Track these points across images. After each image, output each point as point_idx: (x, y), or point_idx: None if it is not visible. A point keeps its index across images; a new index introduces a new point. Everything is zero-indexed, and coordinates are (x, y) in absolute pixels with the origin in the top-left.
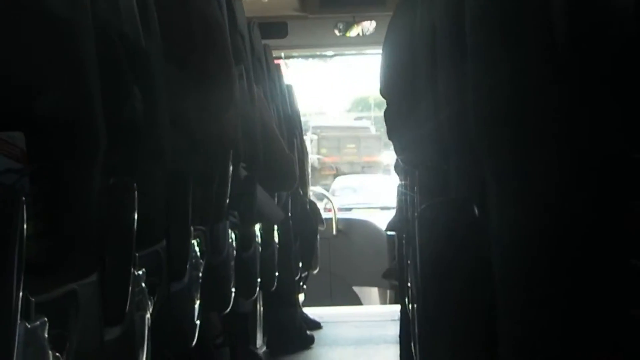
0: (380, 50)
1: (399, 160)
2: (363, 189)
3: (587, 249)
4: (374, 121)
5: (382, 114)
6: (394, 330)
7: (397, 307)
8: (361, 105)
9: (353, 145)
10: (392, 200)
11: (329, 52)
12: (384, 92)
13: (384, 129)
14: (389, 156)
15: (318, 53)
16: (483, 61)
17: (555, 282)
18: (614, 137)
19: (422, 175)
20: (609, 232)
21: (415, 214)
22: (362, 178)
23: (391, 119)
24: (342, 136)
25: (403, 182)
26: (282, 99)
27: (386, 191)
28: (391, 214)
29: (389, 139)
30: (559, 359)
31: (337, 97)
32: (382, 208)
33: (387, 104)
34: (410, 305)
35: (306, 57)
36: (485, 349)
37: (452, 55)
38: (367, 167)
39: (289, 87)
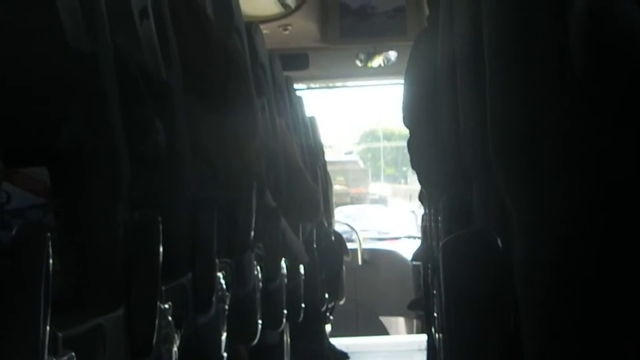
0: (402, 80)
1: (423, 190)
2: (360, 218)
3: (611, 278)
4: (382, 151)
5: (390, 144)
6: (421, 359)
7: (423, 337)
8: (370, 137)
9: (342, 178)
10: (390, 227)
11: (351, 83)
12: (406, 122)
13: (369, 162)
14: (374, 187)
15: (340, 84)
16: (499, 90)
17: (581, 312)
18: (633, 165)
19: (445, 205)
20: (632, 259)
21: (440, 244)
22: (355, 208)
23: (414, 148)
24: (333, 170)
25: (427, 212)
26: (304, 130)
27: (380, 219)
28: (414, 244)
29: (412, 168)
30: None
31: (345, 129)
32: (407, 237)
33: (410, 133)
34: (436, 335)
35: (328, 87)
36: None
37: (472, 84)
38: (355, 198)
39: (311, 118)
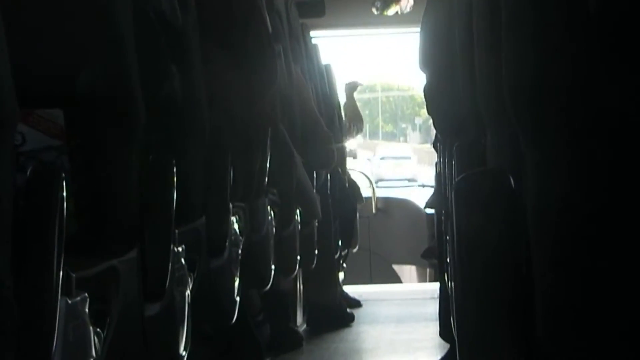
0: (418, 29)
1: (438, 135)
2: None
3: (622, 214)
4: (380, 107)
5: (387, 94)
6: (434, 307)
7: (436, 285)
8: (367, 91)
9: None
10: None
11: (367, 31)
12: (422, 68)
13: (367, 119)
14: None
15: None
16: (514, 32)
17: (593, 250)
18: None
19: (459, 150)
20: None
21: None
22: None
23: (430, 94)
24: None
25: (441, 159)
26: (320, 78)
27: None
28: (428, 192)
29: (428, 114)
30: (598, 333)
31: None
32: (421, 186)
33: (427, 79)
34: (449, 283)
35: (345, 36)
36: (523, 322)
37: (488, 30)
38: None
39: (327, 66)
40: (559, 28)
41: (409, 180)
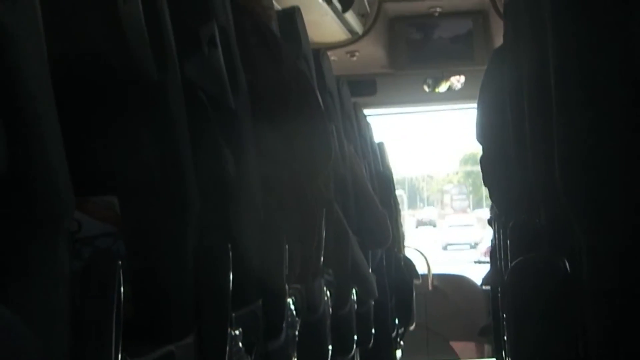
0: (469, 105)
1: (493, 209)
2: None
3: None
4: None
5: None
6: None
7: None
8: (471, 161)
9: None
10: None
11: (419, 108)
12: (479, 140)
13: (471, 188)
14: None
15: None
16: (565, 113)
17: None
18: None
19: (514, 229)
20: None
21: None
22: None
23: (486, 166)
24: None
25: (496, 235)
26: (373, 156)
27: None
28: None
29: (484, 184)
30: None
31: (444, 155)
32: (476, 262)
33: (482, 150)
34: (507, 359)
35: (396, 114)
36: None
37: (539, 109)
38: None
39: (380, 144)
40: (611, 106)
41: (472, 244)
